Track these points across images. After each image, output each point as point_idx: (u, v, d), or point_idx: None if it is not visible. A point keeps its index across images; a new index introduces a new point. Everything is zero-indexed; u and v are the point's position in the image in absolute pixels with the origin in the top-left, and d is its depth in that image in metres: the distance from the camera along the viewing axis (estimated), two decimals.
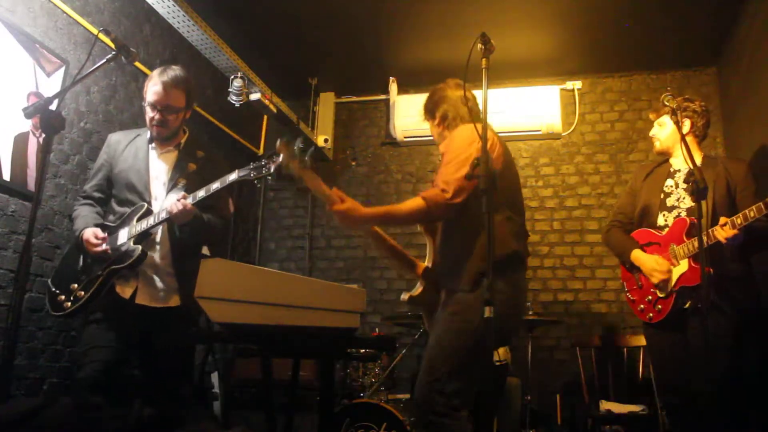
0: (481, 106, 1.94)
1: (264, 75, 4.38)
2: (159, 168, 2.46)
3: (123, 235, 2.31)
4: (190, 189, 2.33)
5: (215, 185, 2.23)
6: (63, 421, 1.51)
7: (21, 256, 1.83)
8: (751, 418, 2.63)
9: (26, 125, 2.73)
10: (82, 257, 2.35)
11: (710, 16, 3.78)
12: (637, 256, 2.70)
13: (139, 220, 2.31)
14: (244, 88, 3.93)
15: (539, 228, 4.46)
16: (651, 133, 2.88)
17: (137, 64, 3.41)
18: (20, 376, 2.65)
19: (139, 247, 2.26)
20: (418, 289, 2.29)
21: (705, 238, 2.24)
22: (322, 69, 4.77)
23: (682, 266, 2.54)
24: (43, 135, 2.01)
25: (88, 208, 2.43)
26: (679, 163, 2.75)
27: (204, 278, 1.42)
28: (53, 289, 2.32)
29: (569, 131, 4.59)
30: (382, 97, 4.97)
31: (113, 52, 2.19)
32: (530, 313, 3.59)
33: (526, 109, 4.43)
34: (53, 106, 2.05)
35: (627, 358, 3.62)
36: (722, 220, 2.40)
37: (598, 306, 4.24)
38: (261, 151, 4.96)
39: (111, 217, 2.40)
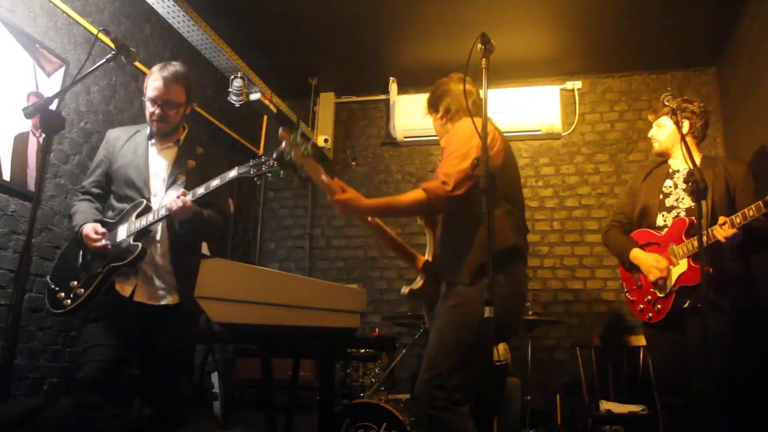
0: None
1: (264, 75, 4.38)
2: (158, 164, 2.46)
3: (122, 232, 2.30)
4: (189, 185, 2.34)
5: (215, 182, 2.23)
6: (63, 421, 1.51)
7: (21, 256, 1.83)
8: (751, 417, 2.63)
9: (26, 125, 2.73)
10: (81, 253, 2.34)
11: (710, 16, 3.78)
12: (636, 255, 2.70)
13: (138, 216, 2.31)
14: (244, 88, 3.93)
15: (539, 228, 4.46)
16: (650, 134, 2.88)
17: (137, 64, 3.41)
18: (20, 376, 2.64)
19: (140, 244, 2.26)
20: (418, 282, 2.29)
21: (704, 238, 2.24)
22: (322, 69, 4.77)
23: (682, 266, 2.54)
24: (43, 135, 2.01)
25: (86, 203, 2.43)
26: (678, 163, 2.76)
27: (204, 278, 1.42)
28: (52, 287, 2.32)
29: (569, 131, 4.59)
30: (382, 97, 4.96)
31: (113, 52, 2.20)
32: (530, 313, 3.59)
33: (526, 109, 4.43)
34: (53, 106, 2.05)
35: (627, 358, 3.62)
36: (721, 219, 2.40)
37: (598, 306, 4.24)
38: (261, 151, 4.96)
39: (110, 214, 2.40)
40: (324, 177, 1.92)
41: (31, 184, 2.73)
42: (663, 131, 2.80)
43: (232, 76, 3.95)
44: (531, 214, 4.44)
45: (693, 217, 2.53)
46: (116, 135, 2.52)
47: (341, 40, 4.29)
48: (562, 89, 4.58)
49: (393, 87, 4.72)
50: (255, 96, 4.07)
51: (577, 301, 4.29)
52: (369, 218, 2.24)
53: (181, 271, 2.36)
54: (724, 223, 2.38)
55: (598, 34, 4.10)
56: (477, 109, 2.18)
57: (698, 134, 2.76)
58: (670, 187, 2.73)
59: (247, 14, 3.97)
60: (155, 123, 2.43)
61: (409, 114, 4.58)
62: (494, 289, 1.66)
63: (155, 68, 2.44)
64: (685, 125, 2.71)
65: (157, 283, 2.34)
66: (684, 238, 2.55)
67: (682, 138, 2.42)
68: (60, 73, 2.93)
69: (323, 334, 1.77)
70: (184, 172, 2.44)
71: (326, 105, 5.02)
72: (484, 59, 1.91)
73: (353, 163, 4.98)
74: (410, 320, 3.61)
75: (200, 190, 2.25)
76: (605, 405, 3.32)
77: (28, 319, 2.69)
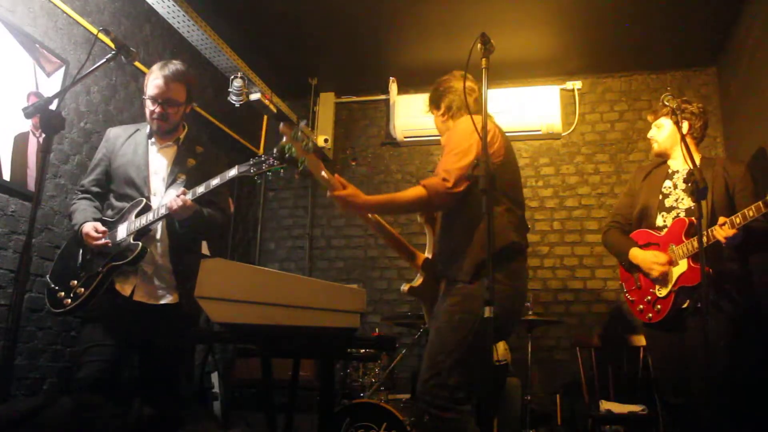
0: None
1: (264, 75, 4.38)
2: (158, 163, 2.46)
3: (122, 231, 2.30)
4: (189, 184, 2.34)
5: (215, 181, 2.23)
6: (63, 421, 1.51)
7: (21, 256, 1.83)
8: (750, 417, 2.63)
9: (26, 125, 2.73)
10: (81, 252, 2.34)
11: (710, 16, 3.79)
12: (635, 254, 2.70)
13: (138, 215, 2.30)
14: (244, 88, 3.93)
15: (539, 228, 4.46)
16: (649, 135, 2.88)
17: (137, 64, 3.41)
18: (20, 376, 2.64)
19: (140, 243, 2.25)
20: (418, 279, 2.29)
21: (704, 239, 2.24)
22: (322, 69, 4.77)
23: (682, 266, 2.54)
24: (43, 135, 2.01)
25: (86, 202, 2.42)
26: (677, 164, 2.76)
27: (204, 278, 1.42)
28: (52, 286, 2.31)
29: (569, 131, 4.59)
30: (382, 97, 4.96)
31: (113, 52, 2.20)
32: (530, 313, 3.59)
33: (526, 109, 4.43)
34: (53, 106, 2.05)
35: (627, 358, 3.62)
36: (721, 219, 2.40)
37: (598, 306, 4.24)
38: (261, 151, 4.96)
39: (109, 213, 2.39)
40: (324, 173, 1.92)
41: (31, 184, 2.73)
42: (662, 132, 2.80)
43: (232, 76, 3.96)
44: (531, 214, 4.44)
45: (693, 218, 2.53)
46: (116, 133, 2.52)
47: (341, 40, 4.29)
48: (562, 89, 4.58)
49: (393, 87, 4.72)
50: (255, 96, 4.08)
51: (577, 301, 4.29)
52: (369, 215, 2.24)
53: (181, 271, 2.36)
54: (723, 224, 2.38)
55: (598, 34, 4.10)
56: (479, 106, 2.19)
57: (697, 135, 2.76)
58: (670, 187, 2.73)
59: (247, 14, 3.97)
60: (155, 121, 2.43)
61: (409, 114, 4.58)
62: (494, 288, 1.66)
63: (155, 67, 2.44)
64: (684, 126, 2.71)
65: (157, 282, 2.34)
66: (684, 239, 2.55)
67: (683, 138, 2.42)
68: (60, 73, 2.93)
69: (323, 334, 1.77)
70: (184, 171, 2.43)
71: (326, 105, 5.01)
72: (484, 59, 1.91)
73: (353, 163, 4.98)
74: (410, 320, 3.61)
75: (200, 189, 2.24)
76: (605, 405, 3.32)
77: (28, 319, 2.69)
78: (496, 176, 1.80)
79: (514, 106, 4.41)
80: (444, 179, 2.00)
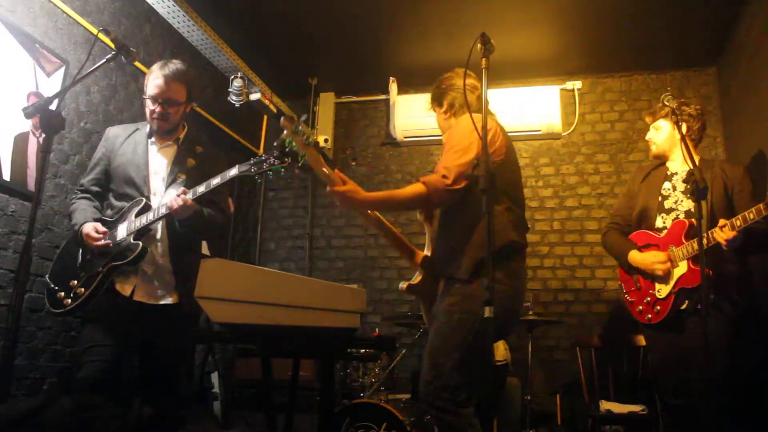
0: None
1: (264, 75, 4.38)
2: (158, 162, 2.45)
3: (122, 231, 2.30)
4: (189, 184, 2.33)
5: (216, 180, 2.22)
6: (63, 421, 1.51)
7: (21, 256, 1.83)
8: (750, 417, 2.63)
9: (26, 125, 2.73)
10: (81, 253, 2.34)
11: (710, 16, 3.78)
12: (634, 257, 2.70)
13: (138, 215, 2.30)
14: (244, 88, 3.93)
15: (539, 228, 4.46)
16: (647, 137, 2.88)
17: (137, 64, 3.41)
18: (20, 376, 2.64)
19: (140, 242, 2.25)
20: (417, 277, 2.29)
21: (704, 240, 2.24)
22: (322, 69, 4.77)
23: (681, 268, 2.54)
24: (43, 135, 2.01)
25: (86, 202, 2.42)
26: (676, 166, 2.76)
27: (204, 278, 1.42)
28: (52, 286, 2.31)
29: (569, 131, 4.59)
30: (382, 97, 4.96)
31: (113, 52, 2.20)
32: (530, 313, 3.59)
33: (526, 109, 4.43)
34: (53, 106, 2.05)
35: (627, 358, 3.62)
36: (722, 221, 2.40)
37: (598, 306, 4.24)
38: (261, 151, 4.96)
39: (108, 212, 2.39)
40: (325, 168, 1.92)
41: (31, 184, 2.73)
42: (660, 134, 2.80)
43: (232, 76, 3.96)
44: (531, 214, 4.44)
45: (693, 219, 2.53)
46: (115, 133, 2.51)
47: (341, 40, 4.29)
48: (562, 89, 4.58)
49: (393, 87, 4.72)
50: (255, 96, 4.08)
51: (577, 301, 4.29)
52: (370, 212, 2.24)
53: (181, 271, 2.36)
54: (724, 226, 2.38)
55: (598, 34, 4.10)
56: (482, 104, 2.18)
57: (695, 137, 2.76)
58: (669, 189, 2.73)
59: (247, 14, 3.97)
60: (155, 121, 2.43)
61: (409, 114, 4.58)
62: (494, 288, 1.65)
63: (156, 66, 2.44)
64: (683, 128, 2.71)
65: (157, 282, 2.34)
66: (684, 240, 2.55)
67: (682, 138, 2.42)
68: (60, 73, 2.93)
69: (323, 334, 1.77)
70: (184, 171, 2.43)
71: (326, 105, 5.01)
72: (484, 59, 1.91)
73: (353, 163, 4.98)
74: (410, 320, 3.61)
75: (201, 189, 2.24)
76: (605, 405, 3.32)
77: (28, 319, 2.69)
78: (496, 175, 1.80)
79: (514, 106, 4.41)
80: (443, 176, 2.00)
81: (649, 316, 2.64)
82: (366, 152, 5.00)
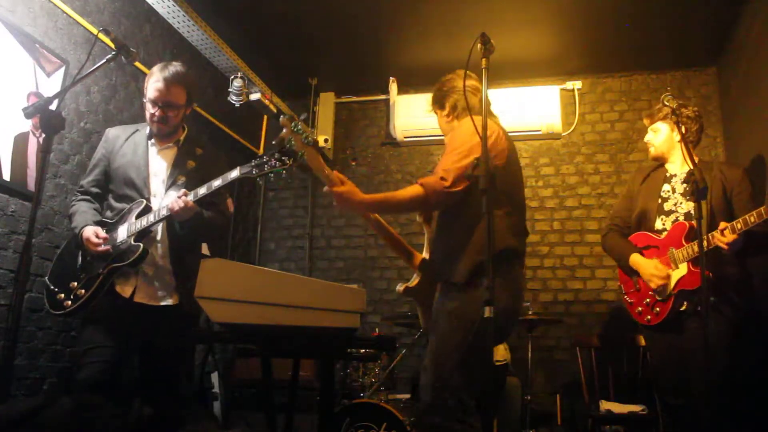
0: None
1: (264, 75, 4.38)
2: (158, 165, 2.45)
3: (122, 232, 2.30)
4: (189, 186, 2.33)
5: (217, 182, 2.22)
6: (63, 421, 1.51)
7: (21, 256, 1.83)
8: (750, 417, 2.63)
9: (26, 125, 2.73)
10: (81, 254, 2.34)
11: (710, 16, 3.78)
12: (636, 260, 2.70)
13: (138, 216, 2.30)
14: (244, 88, 3.93)
15: (539, 228, 4.46)
16: (645, 139, 2.88)
17: (137, 64, 3.41)
18: (20, 376, 2.64)
19: (141, 244, 2.25)
20: (414, 280, 2.28)
21: (704, 242, 2.24)
22: (322, 69, 4.77)
23: (681, 270, 2.54)
24: (43, 135, 2.01)
25: (86, 204, 2.42)
26: (675, 168, 2.76)
27: (204, 278, 1.42)
28: (52, 287, 2.31)
29: (569, 131, 4.59)
30: (382, 97, 4.96)
31: (113, 52, 2.19)
32: (530, 313, 3.59)
33: (526, 109, 4.43)
34: (53, 106, 2.05)
35: (627, 358, 3.62)
36: (722, 224, 2.39)
37: (598, 306, 4.24)
38: (261, 151, 4.96)
39: (108, 213, 2.39)
40: (324, 168, 1.92)
41: (31, 184, 2.73)
42: (658, 136, 2.80)
43: (232, 76, 3.95)
44: (531, 214, 4.44)
45: (693, 221, 2.52)
46: (115, 134, 2.51)
47: (341, 40, 4.29)
48: (562, 89, 4.58)
49: (393, 87, 4.72)
50: (255, 96, 4.08)
51: (577, 301, 4.29)
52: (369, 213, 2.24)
53: (182, 272, 2.36)
54: (724, 229, 2.38)
55: (598, 34, 4.10)
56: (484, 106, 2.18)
57: (693, 139, 2.75)
58: (668, 191, 2.73)
59: (247, 14, 3.97)
60: (155, 124, 2.42)
61: (409, 114, 4.58)
62: (493, 292, 1.65)
63: (156, 69, 2.43)
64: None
65: (157, 283, 2.34)
66: (684, 242, 2.55)
67: (683, 138, 2.42)
68: (60, 73, 2.93)
69: (323, 334, 1.77)
70: (184, 173, 2.43)
71: (326, 105, 5.01)
72: (484, 59, 1.91)
73: (353, 163, 4.98)
74: (410, 320, 3.61)
75: (202, 191, 2.24)
76: (605, 405, 3.32)
77: (28, 319, 2.69)
78: (496, 176, 1.79)
79: (514, 106, 4.41)
80: (442, 178, 2.00)
81: (649, 317, 2.64)
82: (366, 152, 5.01)
